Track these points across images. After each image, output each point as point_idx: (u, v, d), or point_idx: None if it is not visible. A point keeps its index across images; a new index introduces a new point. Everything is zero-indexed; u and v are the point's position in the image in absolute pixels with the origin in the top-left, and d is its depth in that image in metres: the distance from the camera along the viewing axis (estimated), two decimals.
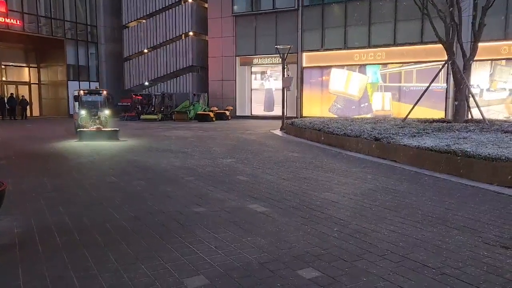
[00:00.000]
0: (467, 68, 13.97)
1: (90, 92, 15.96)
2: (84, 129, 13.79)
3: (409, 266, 3.68)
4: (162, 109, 26.64)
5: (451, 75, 16.06)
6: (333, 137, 12.28)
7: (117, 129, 14.22)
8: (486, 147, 7.93)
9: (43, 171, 8.42)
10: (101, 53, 32.69)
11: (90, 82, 31.16)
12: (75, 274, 3.51)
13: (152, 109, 26.65)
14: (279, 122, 19.01)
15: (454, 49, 14.30)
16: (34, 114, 31.38)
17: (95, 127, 13.96)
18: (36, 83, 32.11)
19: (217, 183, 7.23)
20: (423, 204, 5.79)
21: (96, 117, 14.62)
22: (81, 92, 15.43)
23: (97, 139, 13.33)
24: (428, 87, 14.85)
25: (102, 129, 13.95)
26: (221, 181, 7.36)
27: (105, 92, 15.78)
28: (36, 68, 32.20)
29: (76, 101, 15.46)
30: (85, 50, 31.91)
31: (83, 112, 14.64)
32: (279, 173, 8.19)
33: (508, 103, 19.91)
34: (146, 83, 31.79)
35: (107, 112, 15.19)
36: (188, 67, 30.28)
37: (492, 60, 20.02)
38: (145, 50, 31.85)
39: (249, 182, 7.31)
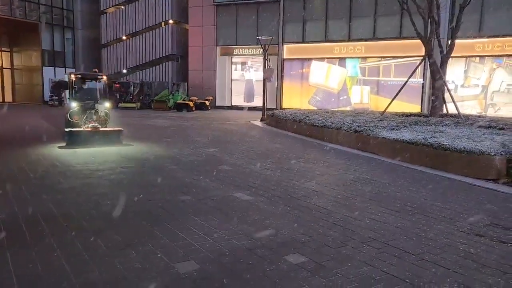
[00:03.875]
0: (444, 64, 14.35)
1: (86, 77, 12.15)
2: (75, 129, 10.14)
3: (390, 252, 3.86)
4: (140, 98, 26.34)
5: (428, 70, 16.45)
6: (314, 129, 12.46)
7: (120, 128, 10.67)
8: (461, 140, 8.24)
9: None
10: (77, 38, 31.86)
11: (66, 68, 30.37)
12: (65, 259, 3.53)
13: (131, 97, 26.30)
14: (259, 113, 19.09)
15: (432, 45, 14.65)
16: (6, 100, 30.42)
17: (90, 126, 10.28)
18: (8, 68, 31.09)
19: (201, 172, 7.27)
20: (401, 195, 6.01)
21: (93, 111, 10.95)
22: (73, 76, 11.35)
23: (93, 143, 9.79)
24: (406, 81, 15.18)
25: (101, 129, 10.33)
26: (205, 170, 7.40)
27: (105, 78, 11.95)
28: (9, 52, 31.14)
29: (66, 89, 11.55)
30: (61, 35, 31.03)
31: (74, 105, 10.93)
32: (262, 163, 8.30)
33: (481, 99, 20.57)
34: (124, 71, 31.22)
35: (107, 104, 11.41)
36: (167, 56, 29.88)
37: (466, 57, 20.60)
38: (124, 37, 31.20)
39: (233, 172, 7.39)
